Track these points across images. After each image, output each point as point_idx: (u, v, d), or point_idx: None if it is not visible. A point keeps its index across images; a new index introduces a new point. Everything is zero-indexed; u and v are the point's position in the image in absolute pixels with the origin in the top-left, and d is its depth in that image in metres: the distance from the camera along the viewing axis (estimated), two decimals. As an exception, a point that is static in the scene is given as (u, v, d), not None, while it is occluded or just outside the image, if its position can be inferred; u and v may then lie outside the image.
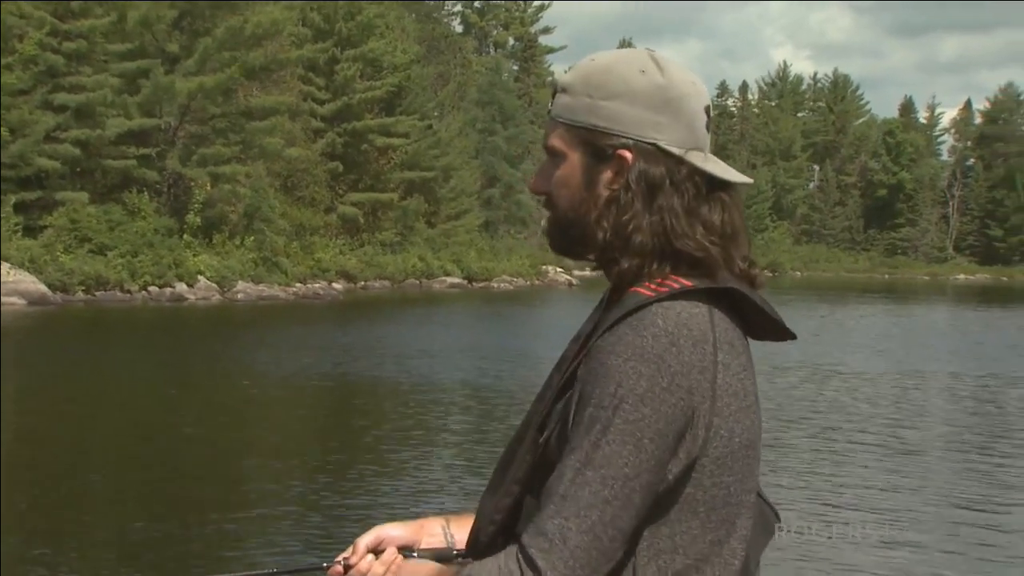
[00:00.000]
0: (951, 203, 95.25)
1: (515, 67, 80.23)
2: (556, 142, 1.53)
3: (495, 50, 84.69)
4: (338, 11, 47.75)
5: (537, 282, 54.34)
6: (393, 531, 1.64)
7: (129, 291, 32.84)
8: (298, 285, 38.74)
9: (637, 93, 1.49)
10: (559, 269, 60.55)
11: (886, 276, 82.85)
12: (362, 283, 43.58)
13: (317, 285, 39.80)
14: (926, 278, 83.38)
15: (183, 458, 11.09)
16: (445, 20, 79.41)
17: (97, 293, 31.82)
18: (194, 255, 35.32)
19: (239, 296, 35.31)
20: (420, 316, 31.92)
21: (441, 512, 1.71)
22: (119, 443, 11.98)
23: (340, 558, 1.62)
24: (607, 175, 1.50)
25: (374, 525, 1.64)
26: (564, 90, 1.54)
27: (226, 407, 14.70)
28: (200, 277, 34.87)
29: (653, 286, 1.46)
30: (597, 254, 1.53)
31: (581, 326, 1.55)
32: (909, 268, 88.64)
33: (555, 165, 1.54)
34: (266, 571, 1.67)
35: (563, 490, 1.39)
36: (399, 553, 1.61)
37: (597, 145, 1.50)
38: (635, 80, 1.50)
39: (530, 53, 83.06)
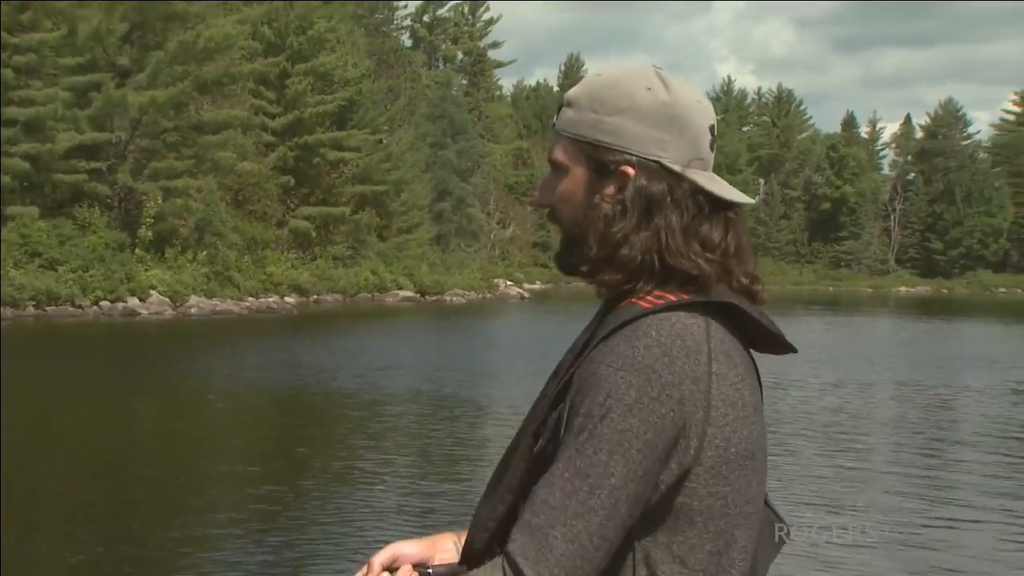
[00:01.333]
0: (892, 217, 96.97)
1: (464, 81, 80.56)
2: (560, 156, 1.54)
3: (444, 64, 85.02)
4: (289, 25, 47.78)
5: (489, 295, 54.59)
6: (407, 548, 1.62)
7: (80, 306, 32.58)
8: (251, 299, 38.64)
9: (642, 109, 1.50)
10: (509, 282, 60.91)
11: (830, 289, 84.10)
12: (314, 297, 43.53)
13: (271, 299, 39.72)
14: (869, 290, 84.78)
15: (136, 477, 11.07)
16: (394, 34, 79.57)
17: (48, 308, 31.54)
18: (146, 269, 35.13)
19: (192, 311, 35.16)
20: (377, 330, 32.05)
21: (453, 529, 1.70)
22: (71, 458, 11.91)
23: None
24: (609, 190, 1.51)
25: (382, 541, 1.67)
26: (569, 104, 1.54)
27: (181, 423, 14.71)
28: (152, 292, 34.68)
29: (650, 298, 1.46)
30: (587, 265, 1.53)
31: (577, 337, 1.56)
32: (852, 281, 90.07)
33: (558, 179, 1.55)
34: None
35: (549, 498, 1.40)
36: (414, 570, 1.59)
37: (600, 160, 1.51)
38: (640, 96, 1.51)
39: (479, 67, 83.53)
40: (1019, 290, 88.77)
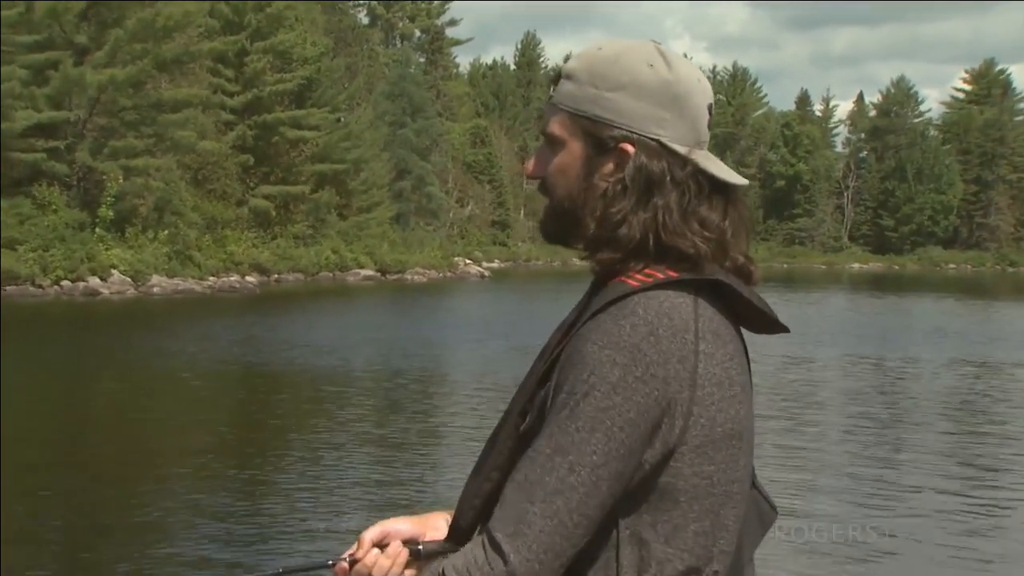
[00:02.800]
0: (846, 194, 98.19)
1: (422, 59, 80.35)
2: (556, 129, 1.52)
3: (401, 42, 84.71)
4: (247, 3, 47.48)
5: (449, 274, 54.80)
6: (397, 525, 1.61)
7: (41, 286, 32.45)
8: (212, 279, 38.61)
9: (643, 87, 1.48)
10: (468, 261, 61.13)
11: (785, 265, 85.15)
12: (275, 276, 43.54)
13: (232, 279, 39.70)
14: (823, 267, 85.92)
15: (99, 455, 11.02)
16: (351, 12, 79.14)
17: (8, 288, 31.38)
18: (107, 249, 34.98)
19: (155, 290, 35.11)
20: (341, 309, 32.20)
21: (445, 508, 1.69)
22: (31, 438, 11.75)
23: (346, 555, 1.59)
24: (607, 167, 1.50)
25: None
26: (568, 77, 1.52)
27: (147, 401, 14.75)
28: (114, 271, 34.57)
29: (639, 276, 1.46)
30: (585, 244, 1.53)
31: (566, 316, 1.54)
32: (807, 257, 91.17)
33: (553, 152, 1.53)
34: (271, 571, 1.60)
35: (530, 475, 1.40)
36: (404, 547, 1.59)
37: (599, 136, 1.49)
38: (642, 73, 1.49)
39: (437, 45, 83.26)
40: (968, 266, 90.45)
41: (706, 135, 1.53)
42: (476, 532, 1.51)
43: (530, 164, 1.57)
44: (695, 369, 1.41)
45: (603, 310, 1.43)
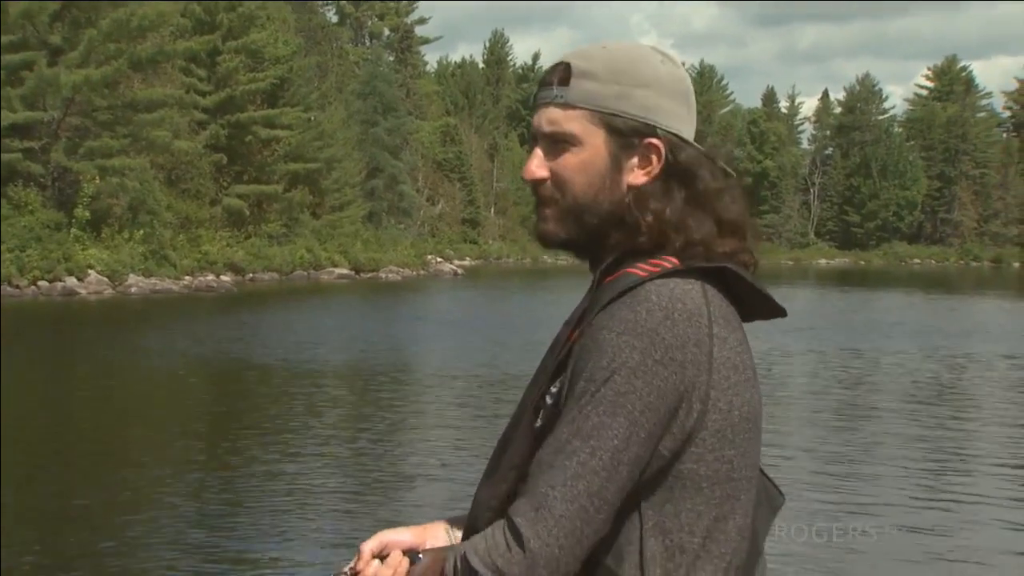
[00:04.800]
0: (812, 190, 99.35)
1: (391, 58, 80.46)
2: (574, 127, 1.51)
3: (370, 40, 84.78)
4: (219, 3, 47.53)
5: (423, 272, 55.06)
6: (397, 536, 1.60)
7: (18, 286, 32.45)
8: (187, 278, 38.71)
9: (664, 83, 1.52)
10: (440, 259, 61.40)
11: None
12: (250, 275, 43.64)
13: (209, 278, 39.81)
14: (790, 263, 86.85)
15: (78, 457, 10.82)
16: (321, 10, 79.14)
17: (-15, 289, 31.38)
18: (83, 249, 35.01)
19: (132, 290, 35.17)
20: (320, 307, 32.38)
21: (447, 518, 1.69)
22: (15, 439, 11.43)
23: (346, 568, 1.58)
24: (633, 162, 1.51)
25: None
26: (584, 75, 1.51)
27: (125, 401, 14.71)
28: (91, 271, 34.62)
29: (645, 267, 1.47)
30: (603, 239, 1.53)
31: (573, 310, 1.54)
32: (774, 253, 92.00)
33: (562, 151, 1.52)
34: None
35: (551, 460, 1.39)
36: (404, 556, 1.57)
37: (624, 132, 1.50)
38: (660, 70, 1.52)
39: (406, 44, 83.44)
40: (932, 261, 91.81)
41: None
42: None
43: (532, 166, 1.54)
44: (711, 353, 1.42)
45: (616, 299, 1.43)
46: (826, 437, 12.34)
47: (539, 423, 1.48)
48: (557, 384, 1.47)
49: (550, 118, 1.52)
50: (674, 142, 1.50)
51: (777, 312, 1.59)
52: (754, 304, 1.56)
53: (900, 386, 16.85)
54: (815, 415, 13.99)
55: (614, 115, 1.49)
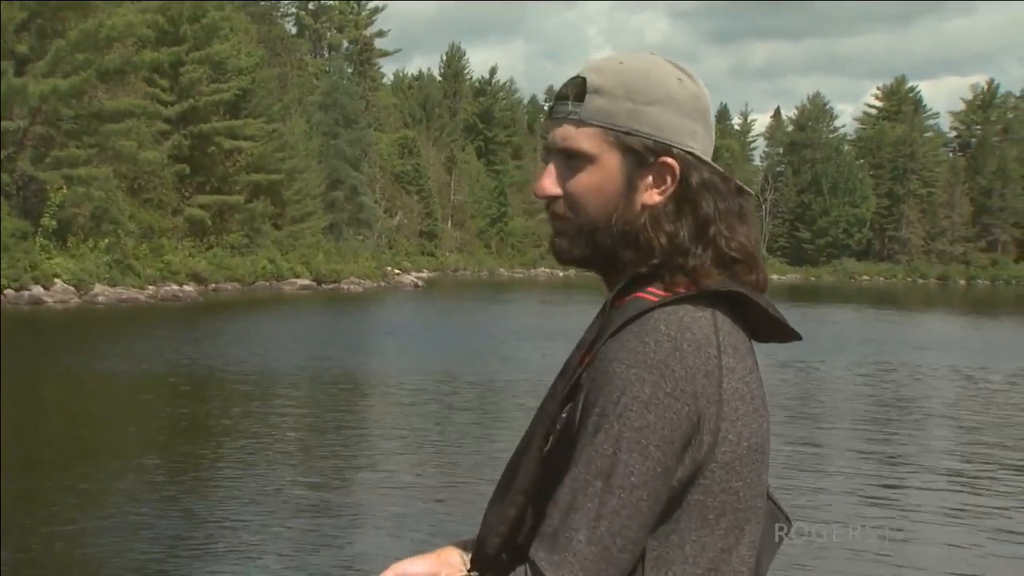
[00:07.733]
0: (764, 207, 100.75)
1: (350, 70, 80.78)
2: (587, 145, 1.48)
3: (329, 52, 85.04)
4: (183, 14, 47.72)
5: (384, 283, 55.44)
6: (412, 567, 1.58)
7: (-16, 295, 32.51)
8: (151, 287, 38.86)
9: (677, 100, 1.48)
10: (399, 271, 61.83)
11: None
12: (212, 285, 43.80)
13: (174, 287, 40.00)
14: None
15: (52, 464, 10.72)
16: (280, 21, 79.33)
17: (-49, 297, 31.40)
18: (49, 258, 35.10)
19: (99, 299, 35.30)
20: (290, 318, 32.70)
21: (457, 541, 1.65)
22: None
23: None
24: (647, 181, 1.48)
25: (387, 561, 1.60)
26: (597, 92, 1.48)
27: (88, 410, 14.71)
28: (57, 280, 34.72)
29: (657, 291, 1.44)
30: (617, 260, 1.51)
31: (584, 333, 1.49)
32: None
33: (575, 168, 1.50)
34: None
35: (570, 501, 1.36)
36: None
37: (638, 151, 1.47)
38: (674, 87, 1.49)
39: (366, 56, 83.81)
40: (881, 278, 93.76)
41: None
42: (500, 559, 1.50)
43: (545, 183, 1.51)
44: (720, 384, 1.40)
45: (624, 328, 1.40)
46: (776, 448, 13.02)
47: (547, 449, 1.46)
48: (567, 411, 1.44)
49: (564, 134, 1.50)
50: (689, 161, 1.47)
51: (791, 336, 1.55)
52: (767, 327, 1.53)
53: (848, 397, 17.60)
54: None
55: (628, 133, 1.47)
